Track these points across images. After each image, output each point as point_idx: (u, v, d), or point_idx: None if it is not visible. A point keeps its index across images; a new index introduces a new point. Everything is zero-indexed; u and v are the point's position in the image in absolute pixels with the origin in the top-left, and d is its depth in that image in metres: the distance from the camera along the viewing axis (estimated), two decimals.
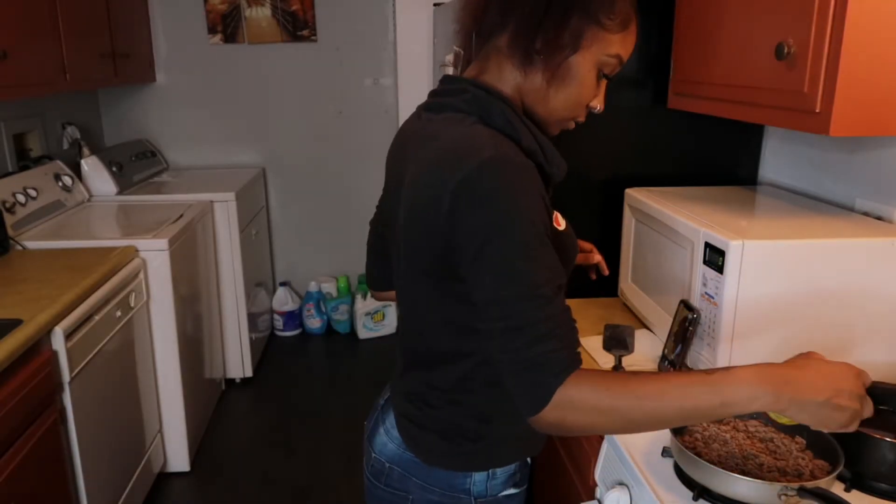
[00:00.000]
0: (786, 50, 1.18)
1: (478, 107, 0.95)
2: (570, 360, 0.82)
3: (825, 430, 0.85)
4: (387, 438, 1.11)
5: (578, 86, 0.96)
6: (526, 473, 1.13)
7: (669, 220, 1.46)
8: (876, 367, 1.29)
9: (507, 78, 0.97)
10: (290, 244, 3.97)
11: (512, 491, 1.09)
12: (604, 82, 1.00)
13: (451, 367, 1.02)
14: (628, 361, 1.38)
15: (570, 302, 1.35)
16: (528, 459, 1.14)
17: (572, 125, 1.04)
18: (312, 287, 3.88)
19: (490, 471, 1.06)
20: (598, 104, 1.01)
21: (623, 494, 1.11)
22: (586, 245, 1.40)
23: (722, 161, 1.89)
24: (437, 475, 1.05)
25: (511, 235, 0.84)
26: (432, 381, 1.04)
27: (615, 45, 0.95)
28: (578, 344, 0.87)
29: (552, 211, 0.96)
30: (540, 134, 0.98)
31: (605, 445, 1.23)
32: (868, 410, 0.86)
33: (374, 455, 1.13)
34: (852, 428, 0.86)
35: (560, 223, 1.00)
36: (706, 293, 1.30)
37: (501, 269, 0.84)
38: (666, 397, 0.80)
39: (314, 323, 3.90)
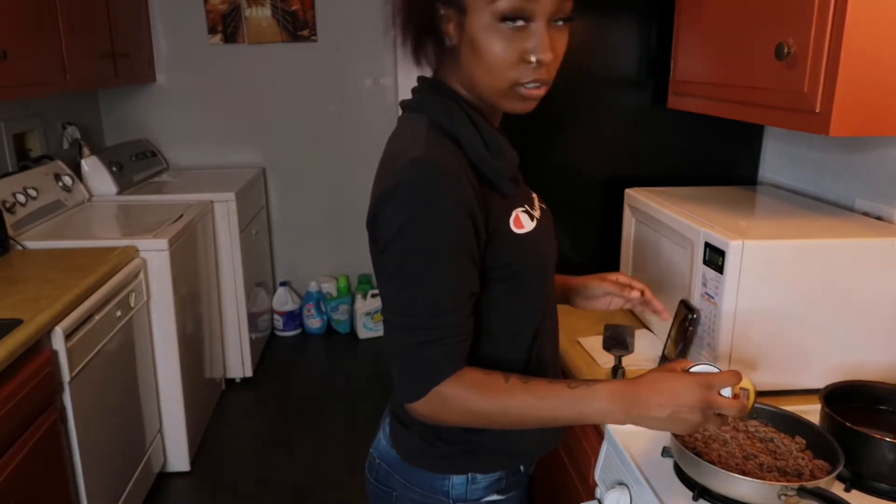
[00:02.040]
0: (786, 50, 1.18)
1: (428, 106, 0.97)
2: (451, 365, 0.90)
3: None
4: (381, 435, 1.13)
5: (488, 47, 0.88)
6: (515, 481, 1.11)
7: (669, 220, 1.46)
8: (876, 367, 1.29)
9: (448, 73, 0.98)
10: (290, 244, 3.97)
11: (495, 497, 1.07)
12: (532, 29, 0.87)
13: None
14: (628, 361, 1.38)
15: None
16: (521, 468, 1.13)
17: (526, 91, 0.91)
18: (312, 287, 3.88)
19: (469, 475, 1.05)
20: (533, 54, 0.88)
21: (623, 494, 1.11)
22: (619, 278, 1.23)
23: (722, 161, 1.89)
24: (418, 475, 1.05)
25: (417, 240, 0.87)
26: None
27: None
28: (467, 351, 0.92)
29: (483, 214, 0.91)
30: (486, 126, 0.96)
31: (605, 445, 1.23)
32: (714, 422, 0.91)
33: (371, 449, 1.15)
34: (695, 431, 0.93)
35: (522, 224, 0.98)
36: (706, 293, 1.30)
37: (403, 271, 0.89)
38: (529, 409, 0.90)
39: (314, 323, 3.90)
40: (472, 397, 0.90)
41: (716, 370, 0.93)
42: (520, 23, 0.87)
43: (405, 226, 0.87)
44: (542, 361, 1.06)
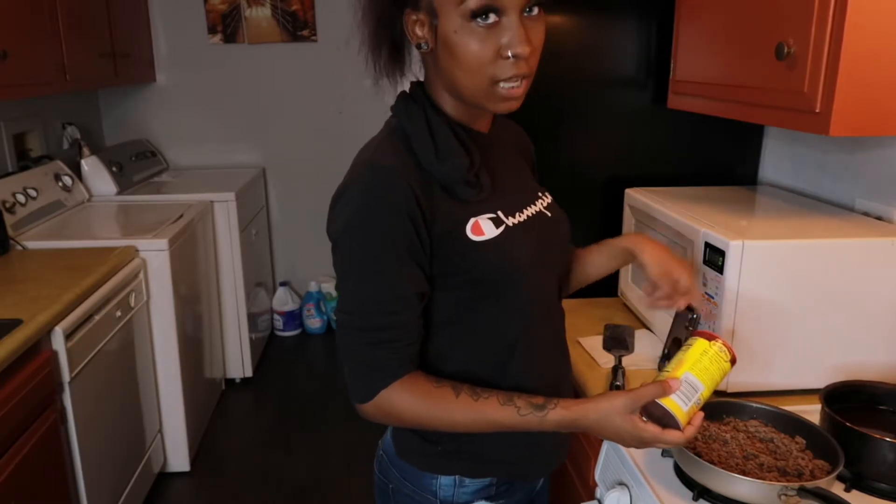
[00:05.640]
0: (786, 50, 1.18)
1: (399, 111, 1.00)
2: (398, 369, 0.92)
3: None
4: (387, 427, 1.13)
5: (462, 47, 0.87)
6: (508, 490, 1.07)
7: (669, 220, 1.46)
8: (876, 367, 1.29)
9: (431, 79, 0.99)
10: (290, 244, 3.97)
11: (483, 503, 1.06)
12: (505, 24, 0.86)
13: None
14: (628, 361, 1.38)
15: (570, 302, 1.34)
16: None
17: (506, 90, 0.90)
18: (312, 287, 3.89)
19: (457, 477, 1.04)
20: (509, 49, 0.86)
21: (623, 494, 1.11)
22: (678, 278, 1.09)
23: (722, 161, 1.89)
24: (410, 470, 1.06)
25: (360, 241, 0.90)
26: None
27: None
28: (416, 354, 0.94)
29: (428, 218, 0.91)
30: (443, 130, 0.94)
31: (605, 445, 1.23)
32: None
33: (379, 441, 1.15)
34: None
35: (482, 231, 0.94)
36: (706, 293, 1.30)
37: (350, 270, 0.92)
38: (477, 426, 0.92)
39: (314, 323, 3.90)
40: (419, 407, 0.92)
41: (670, 413, 0.89)
42: (491, 18, 0.86)
43: (348, 226, 0.90)
44: (525, 377, 1.00)
